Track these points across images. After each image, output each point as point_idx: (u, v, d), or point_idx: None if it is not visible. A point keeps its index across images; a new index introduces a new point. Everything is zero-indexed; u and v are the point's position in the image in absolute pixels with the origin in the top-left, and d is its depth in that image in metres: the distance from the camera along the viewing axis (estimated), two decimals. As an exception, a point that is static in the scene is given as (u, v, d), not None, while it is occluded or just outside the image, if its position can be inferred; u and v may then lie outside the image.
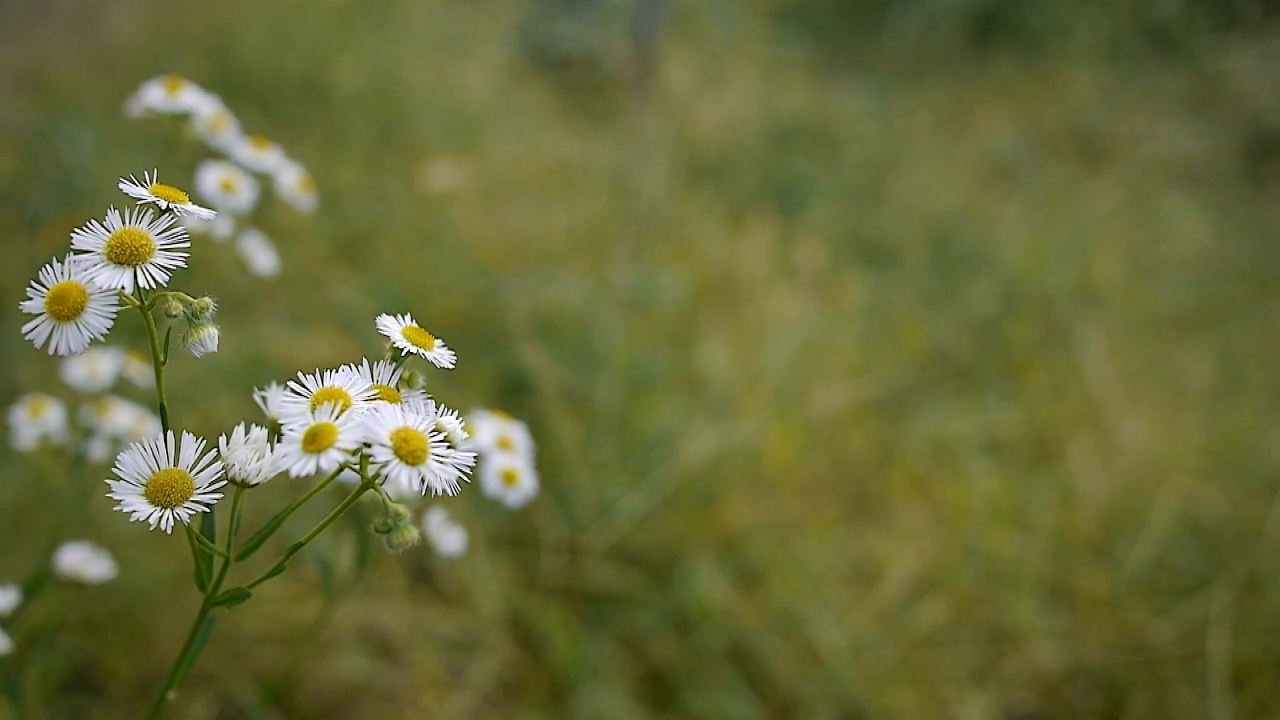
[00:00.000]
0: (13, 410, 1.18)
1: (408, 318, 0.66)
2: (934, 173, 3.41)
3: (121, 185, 0.60)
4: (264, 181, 1.16)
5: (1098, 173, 3.49)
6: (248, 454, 0.63)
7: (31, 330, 0.59)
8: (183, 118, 1.11)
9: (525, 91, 3.58)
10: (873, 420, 2.22)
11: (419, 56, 3.58)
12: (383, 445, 0.57)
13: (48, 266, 0.60)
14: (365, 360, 0.64)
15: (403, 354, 0.64)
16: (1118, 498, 1.99)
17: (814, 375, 2.28)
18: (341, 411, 0.58)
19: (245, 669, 1.62)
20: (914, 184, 3.31)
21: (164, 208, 0.61)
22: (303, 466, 0.56)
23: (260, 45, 3.55)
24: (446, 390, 1.97)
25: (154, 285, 0.59)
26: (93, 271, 0.59)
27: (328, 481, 0.60)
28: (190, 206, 0.61)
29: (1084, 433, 2.19)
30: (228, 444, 0.63)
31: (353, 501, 0.62)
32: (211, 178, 1.12)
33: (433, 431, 0.58)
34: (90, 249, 0.59)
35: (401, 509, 0.62)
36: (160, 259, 0.59)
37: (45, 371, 1.90)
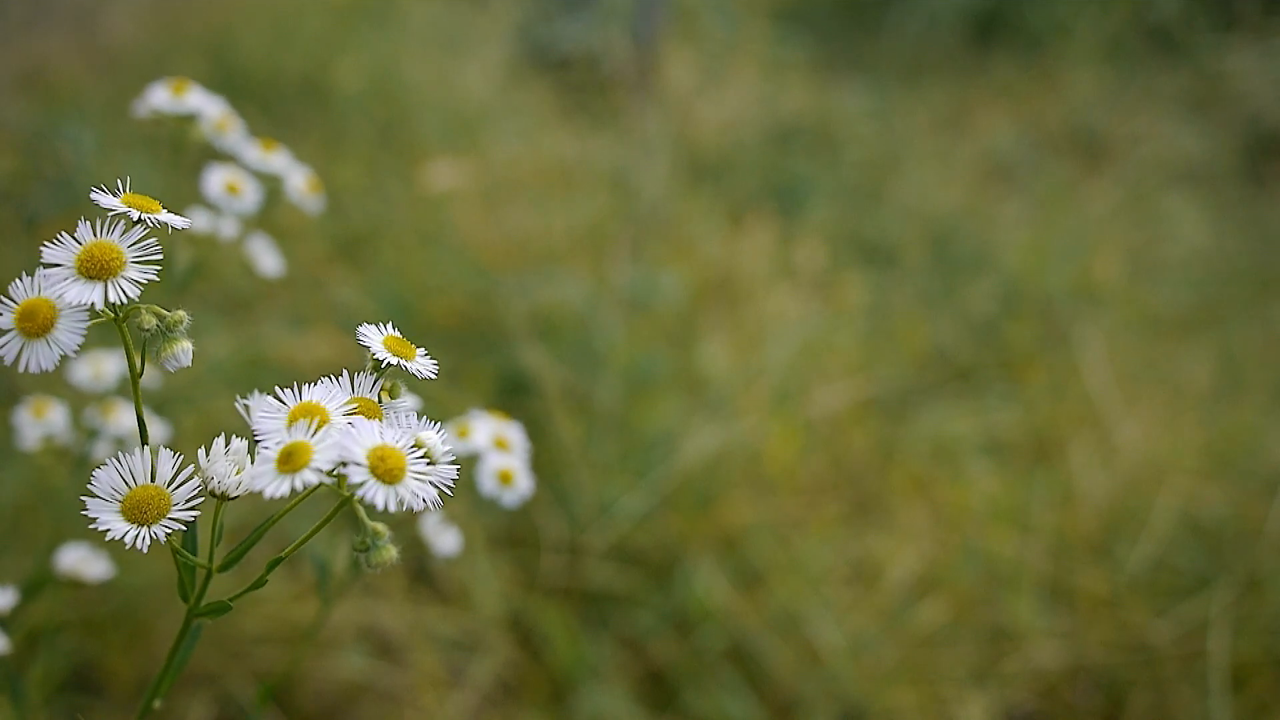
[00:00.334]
0: (16, 411, 1.18)
1: (390, 326, 0.65)
2: (934, 173, 3.41)
3: (92, 195, 0.59)
4: (271, 183, 1.16)
5: (1098, 173, 3.49)
6: (227, 466, 0.61)
7: (2, 348, 0.57)
8: (188, 119, 1.11)
9: (525, 91, 3.58)
10: (873, 420, 2.22)
11: (419, 56, 3.58)
12: (358, 465, 0.55)
13: (17, 281, 0.58)
14: (346, 372, 0.63)
15: (383, 365, 0.63)
16: (1118, 498, 1.99)
17: (814, 375, 2.28)
18: (318, 428, 0.56)
19: (245, 669, 1.62)
20: (914, 184, 3.31)
21: (135, 219, 0.59)
22: (276, 488, 0.55)
23: (260, 45, 3.55)
24: (447, 391, 1.97)
25: (126, 300, 0.57)
26: (62, 287, 0.57)
27: (309, 494, 0.58)
28: (165, 216, 0.59)
29: (1084, 433, 2.19)
30: (207, 456, 0.62)
31: (331, 519, 0.60)
32: (216, 180, 1.12)
33: (412, 447, 0.57)
34: (60, 263, 0.57)
35: (380, 528, 0.60)
36: (132, 272, 0.57)
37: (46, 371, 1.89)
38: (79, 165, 2.51)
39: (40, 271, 0.58)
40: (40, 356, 0.57)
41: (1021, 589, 1.82)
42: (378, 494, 0.55)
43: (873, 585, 1.85)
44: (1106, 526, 1.95)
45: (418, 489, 0.56)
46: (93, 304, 0.56)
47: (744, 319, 2.45)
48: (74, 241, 0.58)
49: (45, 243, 0.58)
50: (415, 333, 2.20)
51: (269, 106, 3.11)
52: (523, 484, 1.01)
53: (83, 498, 0.58)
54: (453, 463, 0.59)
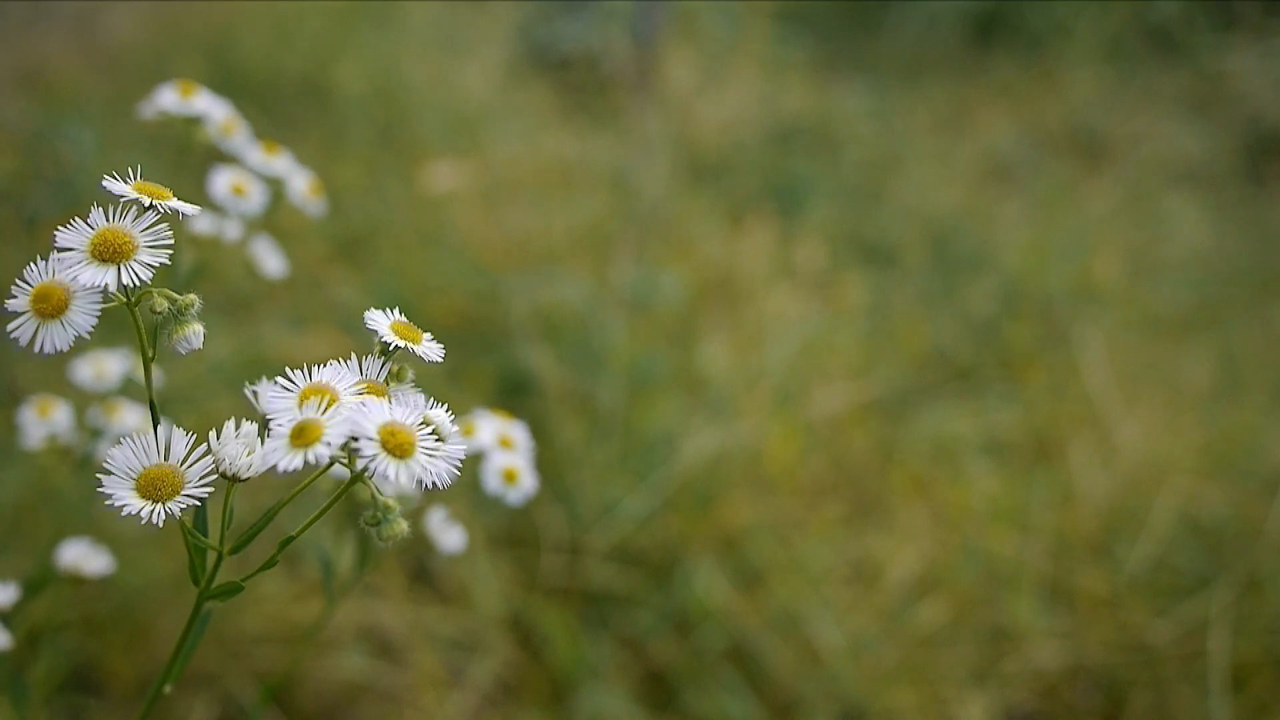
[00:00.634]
0: (20, 410, 1.18)
1: (396, 312, 0.66)
2: (934, 173, 3.41)
3: (104, 182, 0.60)
4: (274, 186, 1.17)
5: (1098, 173, 3.49)
6: (238, 449, 0.62)
7: (16, 329, 0.58)
8: (195, 121, 1.11)
9: (525, 91, 3.58)
10: (873, 420, 2.22)
11: (419, 57, 3.58)
12: (369, 439, 0.56)
13: (32, 265, 0.59)
14: (354, 356, 0.63)
15: (390, 349, 0.64)
16: (1118, 498, 1.99)
17: (814, 375, 2.28)
18: (328, 407, 0.58)
19: (245, 669, 1.62)
20: (914, 184, 3.31)
21: (147, 205, 0.60)
22: (289, 462, 0.56)
23: (260, 45, 3.55)
24: (448, 390, 1.97)
25: (138, 283, 0.58)
26: (76, 269, 0.58)
27: (318, 476, 0.59)
28: (175, 203, 0.61)
29: (1084, 433, 2.19)
30: (218, 439, 0.63)
31: (344, 495, 0.61)
32: (223, 181, 1.12)
33: (421, 425, 0.58)
34: (73, 247, 0.59)
35: (391, 501, 0.61)
36: (144, 256, 0.59)
37: (46, 371, 1.90)
38: (79, 165, 2.51)
39: (54, 255, 0.59)
40: (55, 337, 0.58)
41: (1021, 589, 1.82)
42: (389, 468, 0.56)
43: (873, 585, 1.85)
44: (1106, 526, 1.95)
45: (428, 464, 0.57)
46: (106, 286, 0.57)
47: (744, 319, 2.45)
48: (87, 227, 0.59)
49: (58, 228, 0.59)
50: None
51: (269, 107, 3.11)
52: (527, 482, 1.01)
53: (99, 475, 0.59)
54: (461, 443, 0.60)
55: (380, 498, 0.61)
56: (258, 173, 1.15)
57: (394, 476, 0.56)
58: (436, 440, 0.58)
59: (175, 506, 0.59)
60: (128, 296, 0.60)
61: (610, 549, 1.83)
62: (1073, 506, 1.99)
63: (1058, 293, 2.72)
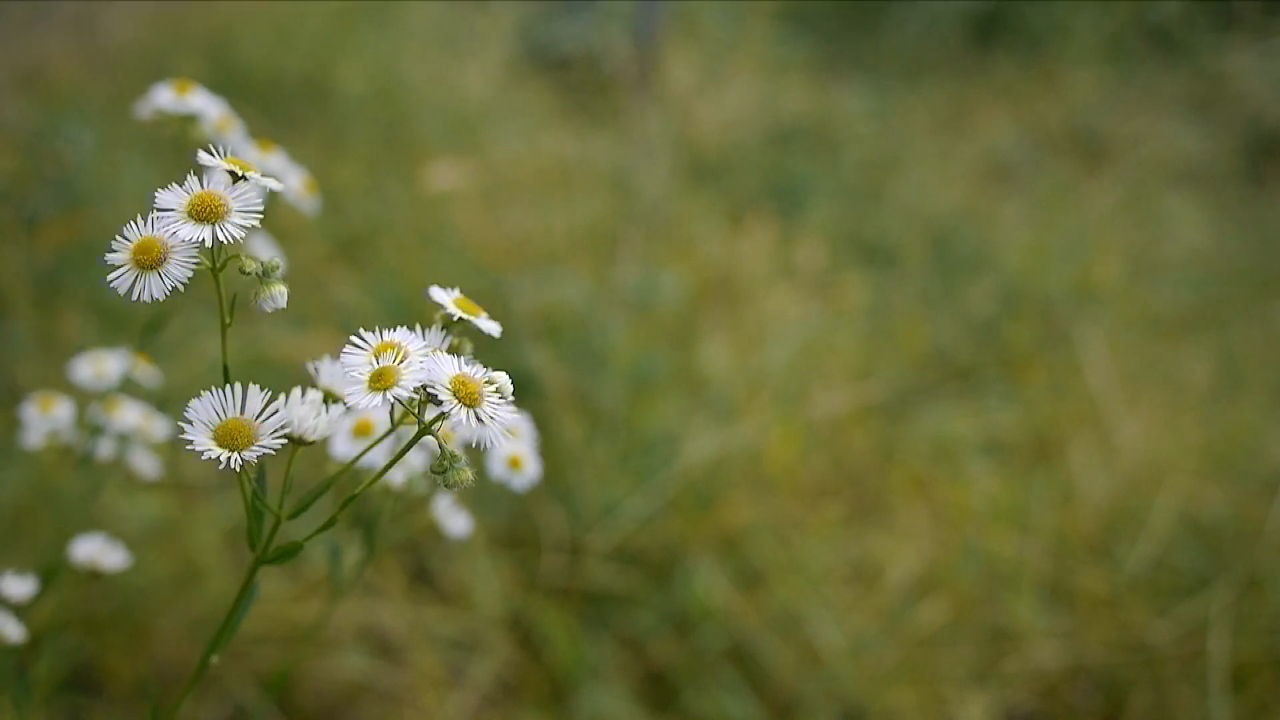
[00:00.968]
0: (23, 406, 1.18)
1: (456, 290, 0.70)
2: (934, 173, 3.41)
3: (199, 156, 0.65)
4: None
5: (1098, 173, 3.49)
6: (306, 411, 0.68)
7: (115, 279, 0.63)
8: (190, 119, 1.12)
9: (525, 91, 3.58)
10: (873, 421, 2.22)
11: (419, 56, 3.58)
12: (444, 387, 0.61)
13: (131, 222, 0.64)
14: (419, 326, 0.67)
15: (454, 320, 0.68)
16: (1118, 498, 1.99)
17: (814, 376, 2.28)
18: (401, 359, 0.62)
19: (245, 669, 1.62)
20: (914, 184, 3.31)
21: (239, 175, 0.65)
22: (369, 402, 0.60)
23: (260, 45, 3.55)
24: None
25: (231, 241, 0.63)
26: (175, 225, 0.63)
27: (384, 437, 0.65)
28: (259, 177, 0.65)
29: (1084, 433, 2.19)
30: (286, 403, 0.67)
31: (412, 446, 0.65)
32: (219, 179, 1.12)
33: (487, 383, 0.63)
34: (172, 207, 0.63)
35: (456, 451, 0.65)
36: (237, 219, 0.63)
37: (45, 371, 1.90)
38: (79, 165, 2.52)
39: (152, 214, 0.64)
40: (152, 286, 0.63)
41: (1021, 589, 1.82)
42: (460, 413, 0.60)
43: (873, 585, 1.85)
44: (1106, 526, 1.95)
45: (494, 412, 0.62)
46: (202, 241, 0.62)
47: (744, 319, 2.45)
48: (184, 190, 0.64)
49: (158, 190, 0.64)
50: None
51: (269, 107, 3.11)
52: (531, 468, 1.04)
53: (180, 423, 0.64)
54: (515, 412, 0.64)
55: (447, 447, 0.65)
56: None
57: (465, 421, 0.60)
58: (501, 398, 0.63)
59: (251, 454, 0.63)
60: (214, 261, 0.64)
61: (611, 549, 1.83)
62: (1073, 506, 1.99)
63: (1058, 293, 2.73)
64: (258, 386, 0.66)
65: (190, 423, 0.64)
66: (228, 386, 0.65)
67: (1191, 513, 1.93)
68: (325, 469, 0.90)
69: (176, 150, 1.10)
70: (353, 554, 1.02)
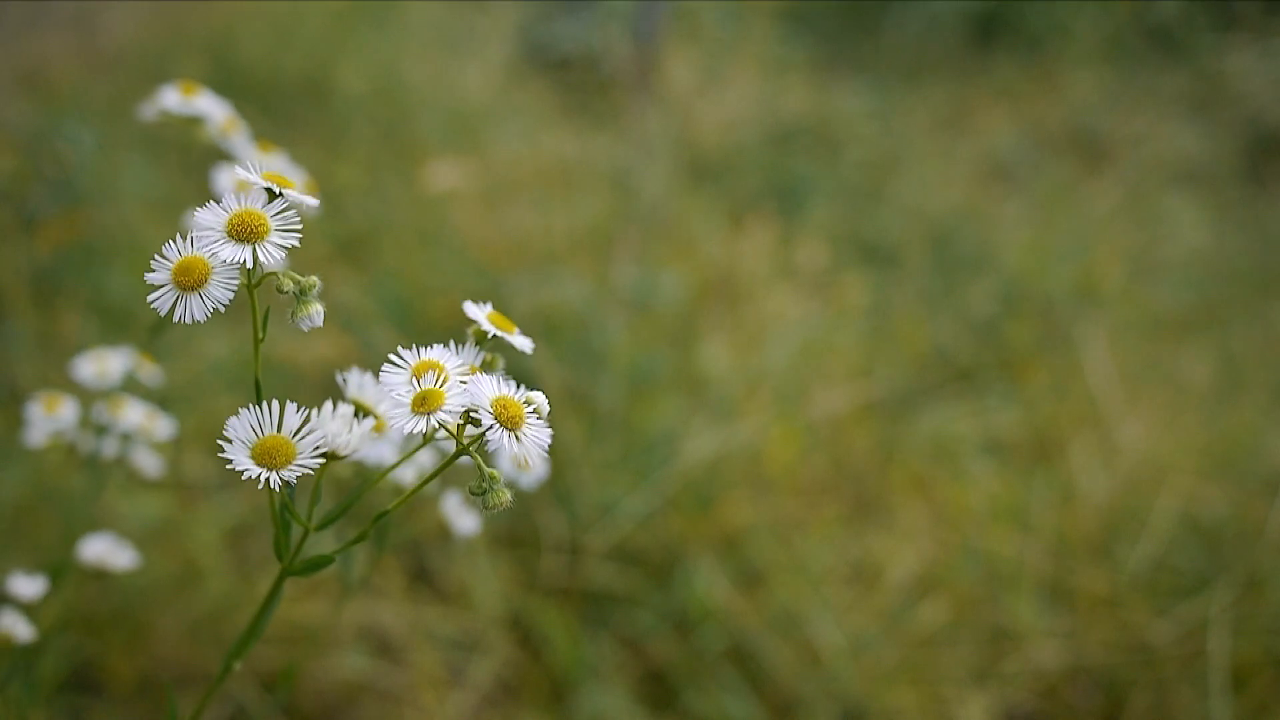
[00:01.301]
0: (28, 405, 1.18)
1: (488, 305, 0.71)
2: (934, 173, 3.41)
3: (237, 171, 0.65)
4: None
5: (1098, 173, 3.49)
6: (339, 425, 0.68)
7: (156, 299, 0.62)
8: (195, 121, 1.12)
9: (526, 91, 3.58)
10: (873, 420, 2.22)
11: (419, 56, 3.58)
12: (487, 411, 0.61)
13: (170, 242, 0.63)
14: (452, 343, 0.68)
15: (488, 337, 0.69)
16: (1118, 498, 1.99)
17: (814, 375, 2.28)
18: (443, 381, 0.63)
19: (246, 668, 1.62)
20: (914, 184, 3.31)
21: (277, 192, 0.64)
22: (415, 425, 0.61)
23: (260, 45, 3.55)
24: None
25: (272, 262, 0.63)
26: (215, 246, 0.62)
27: (419, 449, 0.67)
28: (296, 194, 0.65)
29: (1084, 433, 2.19)
30: (317, 418, 0.68)
31: (451, 463, 0.66)
32: (226, 179, 1.12)
33: (525, 402, 0.63)
34: (212, 226, 0.63)
35: (495, 472, 0.65)
36: (276, 238, 0.63)
37: (45, 371, 1.90)
38: (79, 165, 2.52)
39: (193, 233, 0.63)
40: (193, 308, 0.62)
41: (1021, 589, 1.82)
42: (503, 436, 0.61)
43: (873, 585, 1.85)
44: (1107, 526, 1.95)
45: (535, 435, 0.62)
46: (243, 262, 0.62)
47: (744, 319, 2.45)
48: (222, 209, 0.64)
49: (197, 208, 0.63)
50: (416, 332, 2.20)
51: (269, 107, 3.11)
52: (538, 468, 1.04)
53: (219, 441, 0.64)
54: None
55: (486, 469, 0.65)
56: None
57: (507, 445, 0.61)
58: (538, 418, 0.63)
59: (289, 474, 0.63)
60: (250, 278, 0.64)
61: (610, 549, 1.83)
62: (1073, 506, 1.99)
63: (1058, 293, 2.72)
64: (294, 405, 0.66)
65: (230, 441, 0.64)
66: (264, 404, 0.65)
67: (1192, 513, 1.93)
68: (338, 471, 0.90)
69: (177, 150, 1.11)
70: (360, 555, 1.03)
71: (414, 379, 0.63)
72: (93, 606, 1.61)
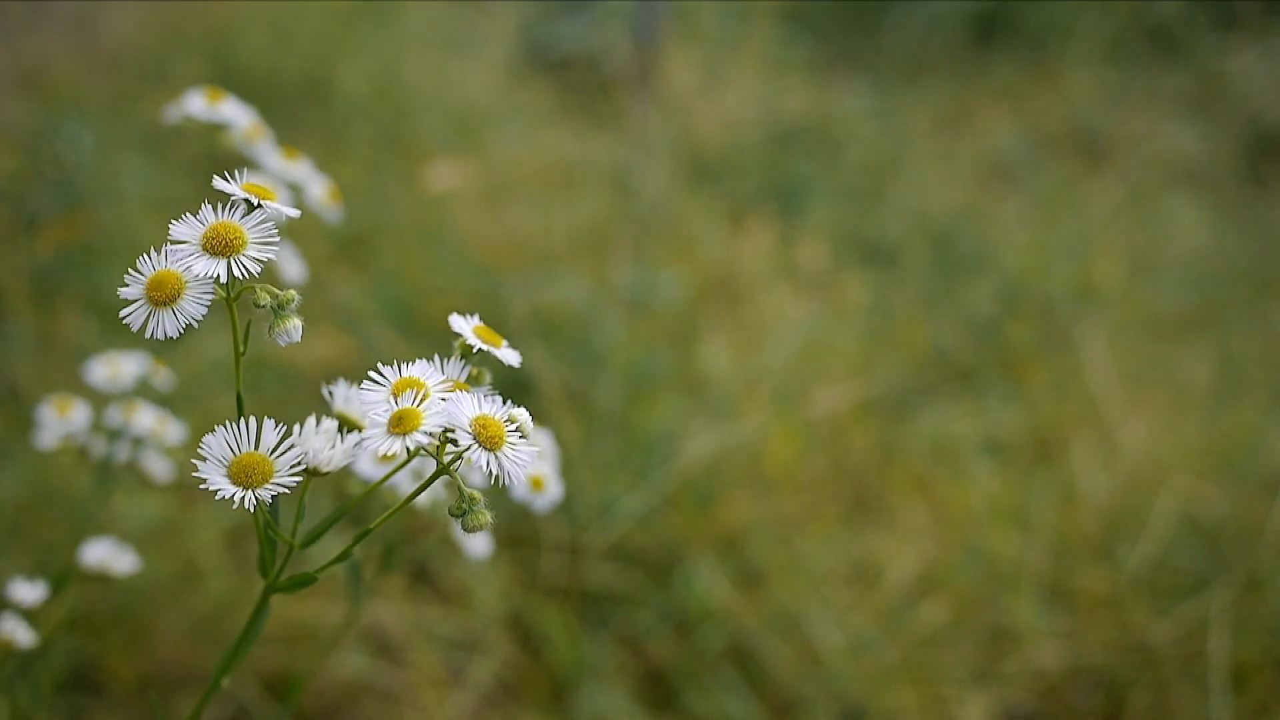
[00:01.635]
0: (40, 408, 1.18)
1: (475, 318, 0.69)
2: (934, 173, 3.41)
3: (215, 182, 0.63)
4: (293, 191, 1.17)
5: (1098, 173, 3.49)
6: (321, 442, 0.66)
7: (129, 315, 0.61)
8: (219, 127, 1.12)
9: (526, 91, 3.58)
10: (873, 420, 2.22)
11: (419, 56, 3.58)
12: (465, 431, 0.60)
13: (145, 256, 0.62)
14: (437, 357, 0.66)
15: (474, 351, 0.67)
16: (1118, 498, 1.99)
17: (814, 375, 2.28)
18: (422, 399, 0.61)
19: (246, 668, 1.62)
20: (914, 184, 3.31)
21: (256, 204, 0.63)
22: (389, 446, 0.59)
23: (260, 45, 3.55)
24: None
25: (247, 276, 0.61)
26: (189, 260, 0.61)
27: (402, 466, 0.63)
28: (278, 205, 0.64)
29: (1084, 433, 2.19)
30: (300, 433, 0.66)
31: (429, 485, 0.64)
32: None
33: (507, 421, 0.62)
34: (187, 239, 0.62)
35: (476, 493, 0.64)
36: (253, 251, 0.62)
37: (45, 371, 1.90)
38: (79, 165, 2.52)
39: (167, 246, 0.62)
40: (166, 324, 0.61)
41: (1021, 589, 1.82)
42: (482, 457, 0.59)
43: (873, 585, 1.85)
44: (1107, 526, 1.95)
45: (515, 456, 0.60)
46: (216, 277, 0.61)
47: (744, 319, 2.45)
48: (199, 221, 0.62)
49: (172, 221, 0.62)
50: (416, 332, 2.21)
51: (269, 106, 3.10)
52: (554, 490, 1.03)
53: (194, 460, 0.63)
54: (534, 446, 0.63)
55: (466, 489, 0.64)
56: (278, 178, 1.15)
57: (486, 466, 0.59)
58: (520, 436, 0.62)
59: (265, 493, 0.62)
60: (228, 291, 0.63)
61: (610, 549, 1.83)
62: (1073, 506, 1.99)
63: (1058, 293, 2.72)
64: (272, 421, 0.64)
65: (204, 459, 0.63)
66: (242, 421, 0.64)
67: (1192, 513, 1.93)
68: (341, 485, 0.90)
69: (177, 150, 1.11)
70: (367, 567, 1.02)
71: (393, 397, 0.62)
72: (93, 607, 1.61)
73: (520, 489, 1.02)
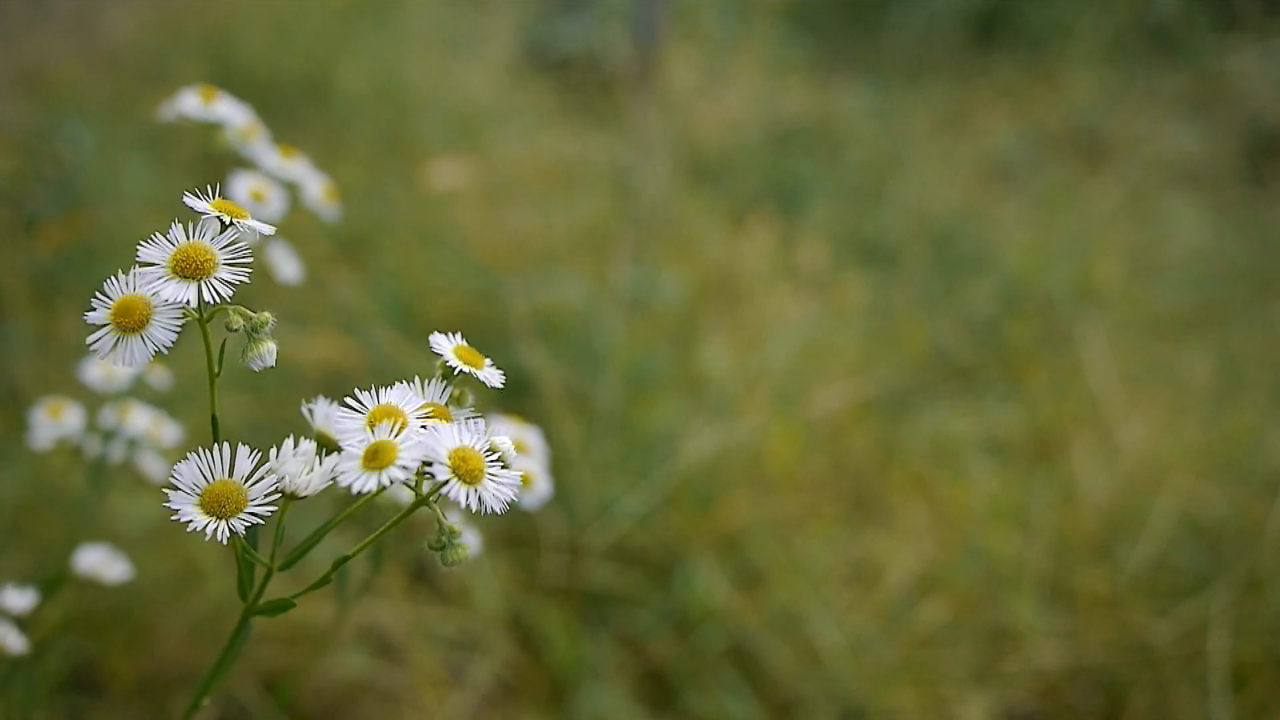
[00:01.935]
0: (31, 410, 1.17)
1: (458, 336, 0.67)
2: (934, 173, 3.41)
3: (184, 199, 0.60)
4: (290, 190, 1.17)
5: (1098, 173, 3.49)
6: (298, 466, 0.63)
7: (96, 340, 0.59)
8: (214, 126, 1.12)
9: (526, 91, 3.58)
10: (873, 420, 2.22)
11: (420, 56, 3.58)
12: (442, 464, 0.57)
13: (111, 279, 0.60)
14: (417, 379, 0.64)
15: (454, 372, 0.65)
16: (1118, 498, 1.99)
17: (814, 375, 2.28)
18: (399, 430, 0.58)
19: (246, 668, 1.62)
20: (914, 184, 3.31)
21: (227, 222, 0.61)
22: (363, 483, 0.57)
23: (260, 45, 3.55)
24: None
25: (218, 300, 0.59)
26: (157, 285, 0.59)
27: (373, 496, 0.59)
28: (251, 222, 0.61)
29: (1085, 433, 2.19)
30: (277, 456, 0.63)
31: (404, 520, 0.62)
32: (242, 187, 1.12)
33: (487, 451, 0.59)
34: (155, 262, 0.59)
35: (455, 526, 0.62)
36: (224, 273, 0.59)
37: (45, 371, 1.90)
38: (79, 165, 2.52)
39: (134, 269, 0.60)
40: (134, 351, 0.59)
41: (1021, 589, 1.82)
42: (460, 493, 0.57)
43: (873, 585, 1.85)
44: (1107, 526, 1.95)
45: (495, 490, 0.58)
46: (187, 302, 0.58)
47: (744, 319, 2.45)
48: (168, 242, 0.60)
49: (139, 243, 0.60)
50: (416, 332, 2.20)
51: (269, 106, 3.10)
52: (542, 487, 1.02)
53: (165, 489, 0.60)
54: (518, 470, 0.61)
55: (445, 523, 0.62)
56: (275, 177, 1.15)
57: (465, 501, 0.57)
58: (502, 467, 0.59)
59: (239, 524, 0.59)
60: (201, 312, 0.61)
61: (610, 548, 1.83)
62: (1073, 506, 1.99)
63: (1058, 293, 2.72)
64: (247, 447, 0.61)
65: (175, 488, 0.60)
66: (215, 446, 0.61)
67: (1192, 513, 1.93)
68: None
69: (178, 150, 1.11)
70: (360, 566, 1.02)
71: (369, 426, 0.59)
72: (93, 607, 1.61)
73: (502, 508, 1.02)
